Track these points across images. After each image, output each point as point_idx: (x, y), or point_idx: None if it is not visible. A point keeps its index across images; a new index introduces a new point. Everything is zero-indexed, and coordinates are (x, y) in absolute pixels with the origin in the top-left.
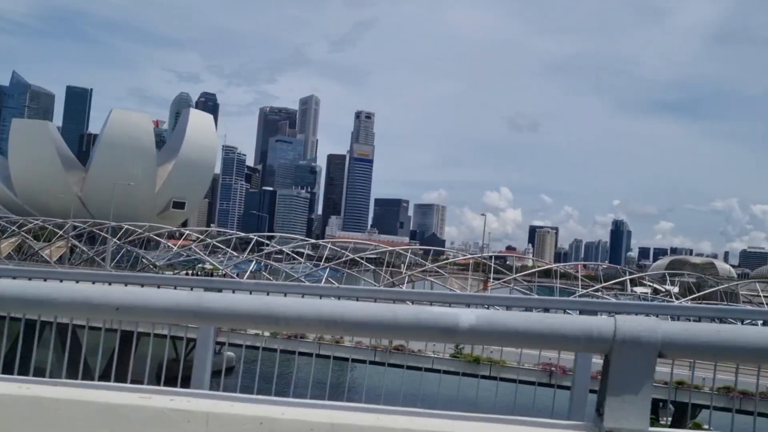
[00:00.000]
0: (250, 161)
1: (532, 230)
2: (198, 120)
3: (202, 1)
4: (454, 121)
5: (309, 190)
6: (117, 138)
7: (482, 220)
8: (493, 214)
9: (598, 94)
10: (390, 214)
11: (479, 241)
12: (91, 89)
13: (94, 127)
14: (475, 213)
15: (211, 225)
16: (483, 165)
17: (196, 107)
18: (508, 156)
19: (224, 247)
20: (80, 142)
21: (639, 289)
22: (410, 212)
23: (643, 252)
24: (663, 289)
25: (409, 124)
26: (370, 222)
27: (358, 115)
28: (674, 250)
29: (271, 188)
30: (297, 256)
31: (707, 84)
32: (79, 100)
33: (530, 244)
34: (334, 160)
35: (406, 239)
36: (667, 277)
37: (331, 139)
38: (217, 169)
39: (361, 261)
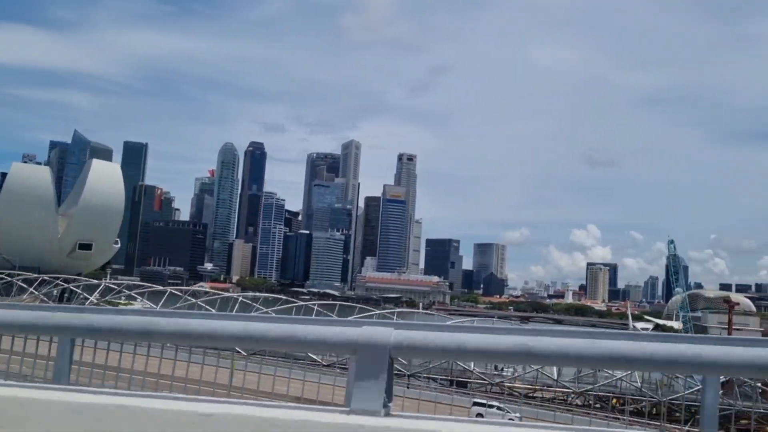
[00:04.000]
0: (298, 206)
1: (588, 268)
2: (101, 169)
3: (289, 54)
4: (536, 159)
5: (343, 232)
6: (17, 188)
7: (570, 259)
8: (581, 253)
9: (690, 126)
10: (441, 254)
11: (564, 281)
12: (147, 143)
13: (150, 179)
14: (562, 252)
15: (254, 269)
16: (569, 203)
17: (245, 156)
18: (594, 193)
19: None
20: (134, 192)
21: (640, 325)
22: (462, 252)
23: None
24: (666, 324)
25: (490, 164)
26: (422, 263)
27: (400, 157)
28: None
29: (307, 231)
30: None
31: None
32: (135, 153)
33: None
34: (371, 203)
35: (435, 278)
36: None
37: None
38: (260, 215)
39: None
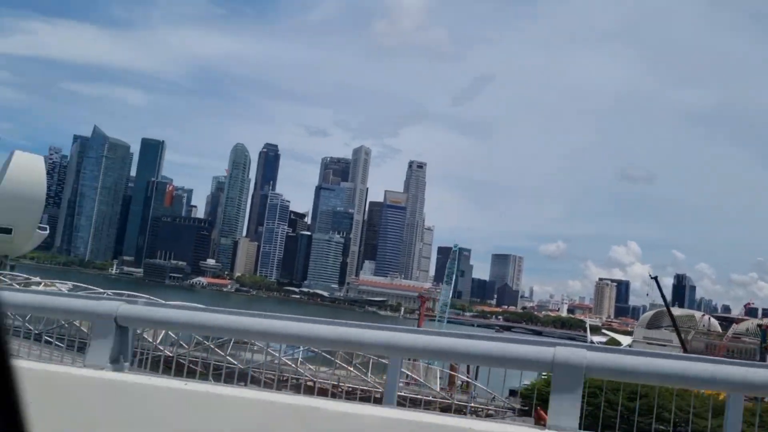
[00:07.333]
0: (307, 208)
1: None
2: (23, 160)
3: (331, 59)
4: (575, 173)
5: (343, 235)
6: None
7: (608, 275)
8: (620, 269)
9: (735, 145)
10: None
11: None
12: (163, 141)
13: (178, 176)
14: (599, 267)
15: (258, 267)
16: (608, 219)
17: (259, 157)
18: (637, 210)
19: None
20: (147, 188)
21: (596, 338)
22: (480, 261)
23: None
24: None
25: (529, 176)
26: (432, 270)
27: (410, 164)
28: None
29: (309, 233)
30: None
31: None
32: (152, 150)
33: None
34: (374, 208)
35: (427, 285)
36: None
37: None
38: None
39: None
